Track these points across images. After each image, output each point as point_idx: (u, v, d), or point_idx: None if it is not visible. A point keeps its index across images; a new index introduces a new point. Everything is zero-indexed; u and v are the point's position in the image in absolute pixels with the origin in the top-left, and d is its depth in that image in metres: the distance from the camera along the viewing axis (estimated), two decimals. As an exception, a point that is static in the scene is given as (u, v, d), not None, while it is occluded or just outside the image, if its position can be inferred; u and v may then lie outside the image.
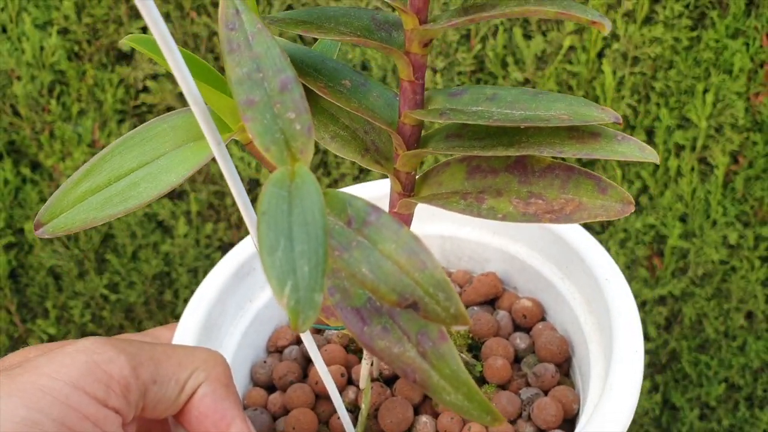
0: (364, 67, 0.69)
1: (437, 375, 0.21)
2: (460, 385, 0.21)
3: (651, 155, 0.24)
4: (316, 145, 0.46)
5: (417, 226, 0.36)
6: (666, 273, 0.72)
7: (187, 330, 0.34)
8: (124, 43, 0.24)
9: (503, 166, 0.26)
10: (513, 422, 0.31)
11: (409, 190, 0.28)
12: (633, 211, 0.24)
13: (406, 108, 0.25)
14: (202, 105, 0.21)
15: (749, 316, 0.73)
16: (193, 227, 0.76)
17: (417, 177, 0.28)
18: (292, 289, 0.16)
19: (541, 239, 0.37)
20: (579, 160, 0.71)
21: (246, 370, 0.38)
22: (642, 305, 0.74)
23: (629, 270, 0.73)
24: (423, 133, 0.27)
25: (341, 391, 0.34)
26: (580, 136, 0.24)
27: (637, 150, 0.24)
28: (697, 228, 0.70)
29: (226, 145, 0.24)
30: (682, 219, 0.71)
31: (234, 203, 0.76)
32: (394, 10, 0.25)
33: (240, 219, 0.76)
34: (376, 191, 0.39)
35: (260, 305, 0.38)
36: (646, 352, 0.75)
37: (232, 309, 0.37)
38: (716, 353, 0.74)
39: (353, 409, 0.34)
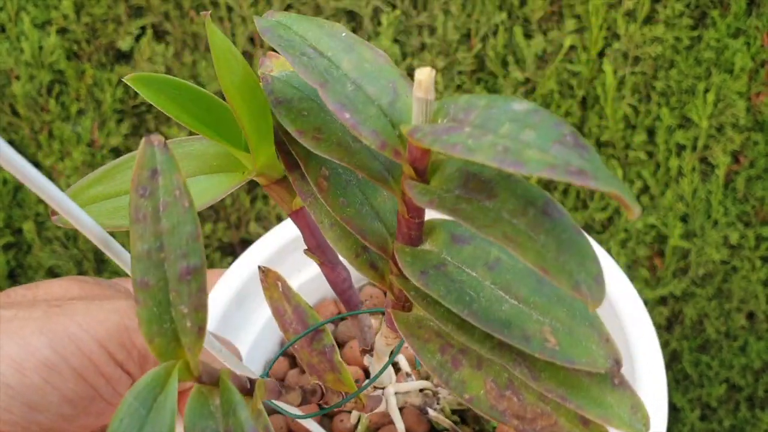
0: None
1: None
2: None
3: (638, 422, 0.20)
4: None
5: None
6: (667, 273, 0.72)
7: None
8: (126, 80, 0.23)
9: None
10: None
11: (402, 301, 0.25)
12: None
13: (400, 239, 0.23)
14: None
15: (750, 316, 0.72)
16: (192, 227, 0.76)
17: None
18: None
19: None
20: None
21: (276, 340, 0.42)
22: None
23: (630, 270, 0.72)
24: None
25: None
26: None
27: (627, 410, 0.20)
28: (698, 228, 0.70)
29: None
30: (683, 219, 0.70)
31: (234, 203, 0.75)
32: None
33: (239, 219, 0.76)
34: (291, 233, 0.41)
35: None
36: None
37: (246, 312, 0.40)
38: (717, 354, 0.74)
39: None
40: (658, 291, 0.72)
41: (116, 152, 0.73)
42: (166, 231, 0.19)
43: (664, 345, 0.75)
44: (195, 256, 0.19)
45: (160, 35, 0.71)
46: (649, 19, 0.66)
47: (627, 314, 0.32)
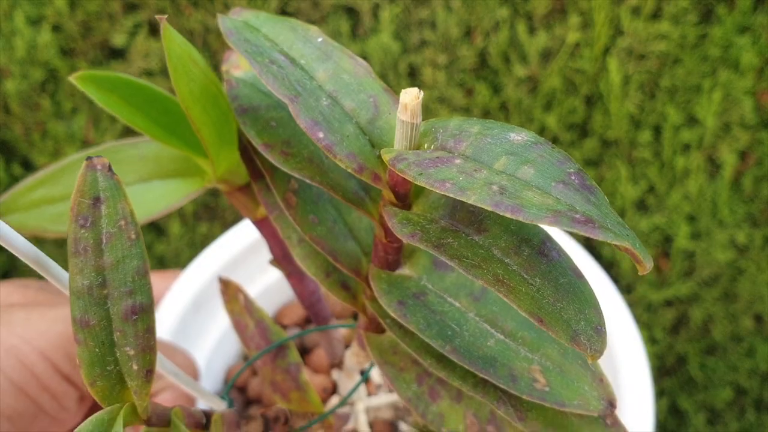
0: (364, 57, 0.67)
1: None
2: None
3: None
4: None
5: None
6: (672, 274, 0.71)
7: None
8: (73, 79, 0.20)
9: None
10: None
11: (376, 324, 0.24)
12: None
13: (376, 262, 0.21)
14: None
15: (757, 318, 0.71)
16: (188, 228, 0.75)
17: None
18: None
19: None
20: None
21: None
22: (648, 308, 0.72)
23: (635, 271, 0.71)
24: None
25: None
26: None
27: None
28: (704, 228, 0.69)
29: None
30: (689, 219, 0.69)
31: (230, 204, 0.74)
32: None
33: (235, 219, 0.75)
34: (251, 238, 0.40)
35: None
36: (653, 355, 0.74)
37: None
38: (723, 356, 0.73)
39: None
40: (663, 293, 0.71)
41: (111, 151, 0.72)
42: (110, 266, 0.17)
43: (670, 348, 0.74)
44: (142, 293, 0.17)
45: (155, 31, 0.70)
46: (654, 16, 0.65)
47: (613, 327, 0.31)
